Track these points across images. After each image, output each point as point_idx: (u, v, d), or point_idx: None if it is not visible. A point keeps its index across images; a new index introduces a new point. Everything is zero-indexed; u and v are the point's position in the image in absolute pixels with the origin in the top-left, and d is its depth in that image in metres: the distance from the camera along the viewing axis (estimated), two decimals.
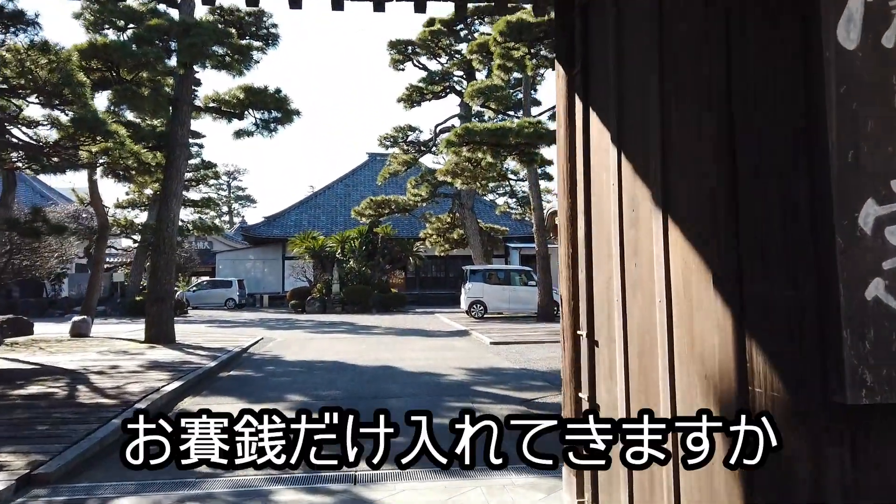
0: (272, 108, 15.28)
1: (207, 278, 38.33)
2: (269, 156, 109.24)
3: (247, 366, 10.86)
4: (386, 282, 31.67)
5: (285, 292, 36.00)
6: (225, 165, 76.37)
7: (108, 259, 39.58)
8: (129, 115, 15.44)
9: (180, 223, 33.20)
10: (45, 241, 17.74)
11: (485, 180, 20.82)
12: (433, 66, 27.30)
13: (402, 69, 27.73)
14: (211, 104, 15.22)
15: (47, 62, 7.99)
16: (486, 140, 14.46)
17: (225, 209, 77.34)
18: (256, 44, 15.52)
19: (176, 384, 7.86)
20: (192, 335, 16.29)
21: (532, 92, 22.22)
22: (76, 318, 16.19)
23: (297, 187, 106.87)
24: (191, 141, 32.22)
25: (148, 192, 30.99)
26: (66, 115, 11.07)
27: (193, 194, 33.37)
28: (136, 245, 30.81)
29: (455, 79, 27.30)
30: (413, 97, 27.07)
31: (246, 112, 15.45)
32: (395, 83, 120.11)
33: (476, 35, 23.88)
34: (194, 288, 37.31)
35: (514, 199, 32.31)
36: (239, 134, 15.75)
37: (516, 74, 21.88)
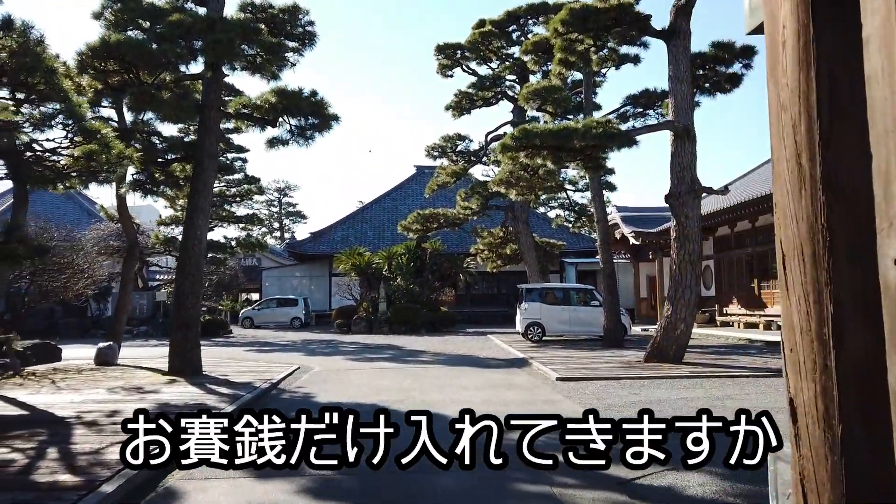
0: (308, 114, 13.81)
1: (278, 296, 37.14)
2: (319, 171, 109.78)
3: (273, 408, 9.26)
4: (435, 300, 30.01)
5: (332, 310, 34.78)
6: (276, 182, 76.76)
7: (156, 277, 39.27)
8: (164, 126, 14.24)
9: (223, 240, 32.54)
10: (71, 261, 16.80)
11: (542, 190, 18.93)
12: (483, 71, 25.63)
13: (451, 75, 26.18)
14: (242, 110, 13.87)
15: (13, 43, 6.63)
16: (547, 142, 12.60)
17: (276, 225, 77.76)
18: (291, 44, 14.10)
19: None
20: (223, 363, 14.91)
21: (592, 95, 20.25)
22: (102, 344, 15.01)
23: (346, 202, 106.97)
24: (234, 156, 31.53)
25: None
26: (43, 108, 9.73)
27: (240, 209, 32.52)
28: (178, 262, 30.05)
29: (507, 83, 25.56)
30: (462, 104, 25.44)
31: (280, 119, 14.04)
32: (444, 91, 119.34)
33: (530, 36, 22.10)
34: (257, 306, 36.25)
35: (570, 212, 30.19)
36: (272, 143, 14.34)
37: (575, 75, 20.01)
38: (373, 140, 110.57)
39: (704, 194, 13.92)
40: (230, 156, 25.47)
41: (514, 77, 25.13)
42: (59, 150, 8.52)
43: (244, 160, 31.44)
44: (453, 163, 26.37)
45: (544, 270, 25.56)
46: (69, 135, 8.33)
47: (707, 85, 15.13)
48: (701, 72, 14.90)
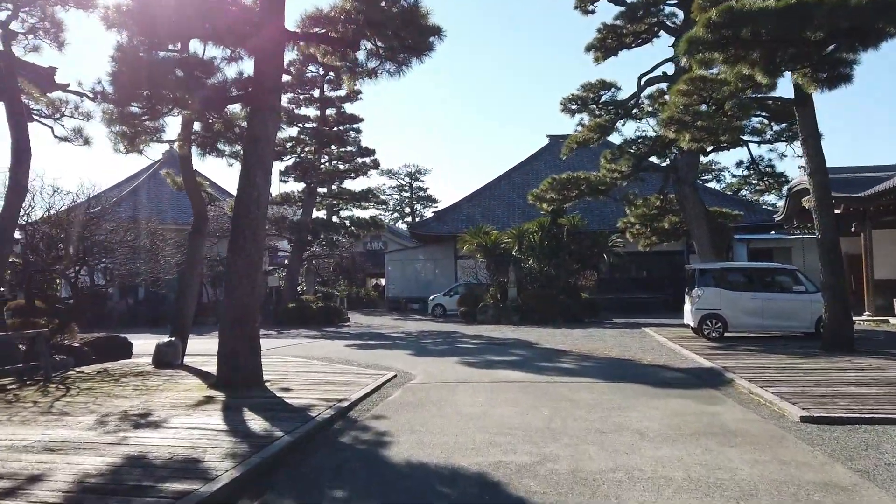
0: (398, 28, 9.92)
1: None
2: (450, 153, 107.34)
3: (309, 474, 5.48)
4: (573, 284, 25.36)
5: (432, 297, 31.11)
6: (406, 166, 74.98)
7: (277, 260, 37.79)
8: (215, 52, 10.92)
9: (335, 220, 29.95)
10: (150, 245, 14.27)
11: (726, 135, 13.74)
12: None
13: (593, 10, 21.30)
14: (311, 29, 10.25)
15: None
16: (766, 30, 7.72)
17: (407, 210, 76.06)
18: None
19: None
20: (303, 366, 11.54)
21: None
22: (161, 341, 12.19)
23: (479, 183, 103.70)
24: (347, 126, 28.70)
25: (300, 186, 27.85)
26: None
27: (352, 185, 29.69)
28: (291, 245, 27.74)
29: (665, 11, 20.27)
30: (607, 42, 20.53)
31: (362, 39, 10.28)
32: (580, 53, 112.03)
33: None
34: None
35: (753, 171, 24.18)
36: (353, 73, 10.64)
37: None
38: (503, 111, 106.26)
39: None
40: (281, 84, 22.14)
41: (674, 1, 19.81)
42: None
43: (357, 130, 28.67)
44: (596, 116, 21.49)
45: (719, 247, 20.08)
46: None
47: None
48: None
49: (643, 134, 21.36)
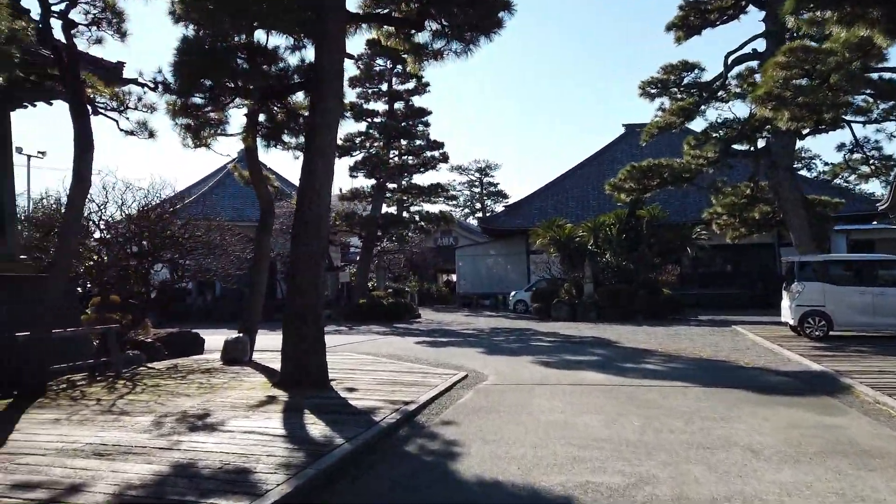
0: (464, 4, 9.25)
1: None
2: (521, 148, 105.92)
3: (367, 491, 4.89)
4: (654, 279, 24.00)
5: (513, 293, 30.34)
6: (476, 162, 74.38)
7: (349, 257, 37.92)
8: (278, 41, 10.58)
9: (405, 216, 29.57)
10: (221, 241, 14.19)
11: (830, 112, 12.33)
12: None
13: None
14: (373, 10, 9.71)
15: None
16: None
17: (478, 206, 75.48)
18: None
19: None
20: (370, 364, 11.07)
21: None
22: (230, 338, 12.01)
23: (549, 177, 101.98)
24: (416, 120, 28.26)
25: (369, 182, 27.62)
26: None
27: (421, 179, 29.32)
28: (361, 241, 27.61)
29: None
30: (690, 20, 19.17)
31: (426, 19, 9.67)
32: (657, 35, 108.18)
33: None
34: None
35: (856, 152, 22.13)
36: (419, 55, 10.04)
37: None
38: (574, 101, 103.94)
39: None
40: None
41: None
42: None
43: (426, 123, 28.19)
44: (677, 100, 20.12)
45: (819, 238, 18.38)
46: None
47: None
48: None
49: (731, 117, 19.74)
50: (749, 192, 19.90)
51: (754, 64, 19.38)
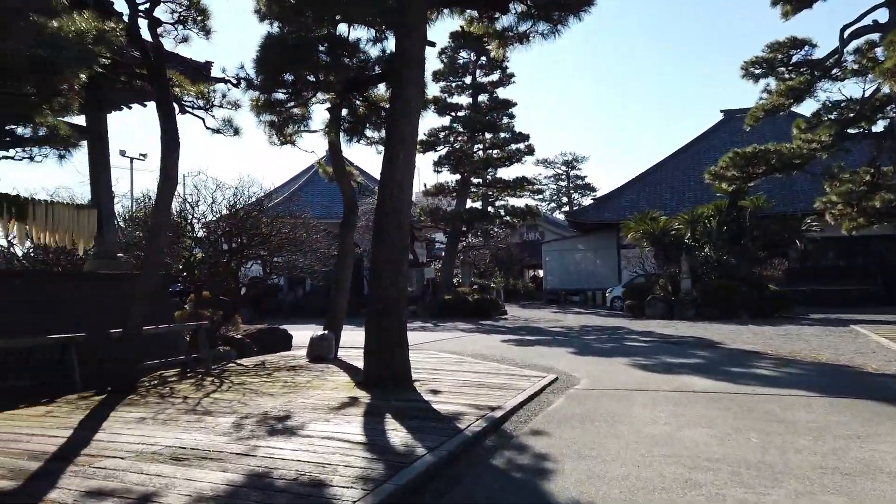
0: None
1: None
2: (606, 137, 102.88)
3: None
4: (758, 275, 22.34)
5: (610, 289, 29.23)
6: (562, 154, 72.88)
7: (435, 253, 37.83)
8: (360, 32, 10.34)
9: (490, 211, 29.05)
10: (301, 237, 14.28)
11: None
12: None
13: None
14: None
15: None
16: None
17: (564, 200, 73.98)
18: None
19: None
20: (455, 363, 10.69)
21: None
22: (315, 335, 11.95)
23: (640, 168, 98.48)
24: (500, 112, 27.64)
25: (454, 177, 27.29)
26: None
27: (506, 173, 28.73)
28: (446, 236, 27.36)
29: None
30: None
31: (511, 2, 9.13)
32: (757, 13, 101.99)
33: None
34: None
35: None
36: (503, 39, 9.51)
37: None
38: (671, 86, 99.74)
39: None
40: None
41: None
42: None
43: (511, 115, 27.54)
44: (784, 81, 18.50)
45: None
46: None
47: None
48: None
49: (845, 97, 17.96)
50: (869, 179, 18.06)
51: (875, 37, 17.52)
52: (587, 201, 68.22)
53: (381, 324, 8.47)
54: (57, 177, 74.03)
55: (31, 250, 13.30)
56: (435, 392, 7.97)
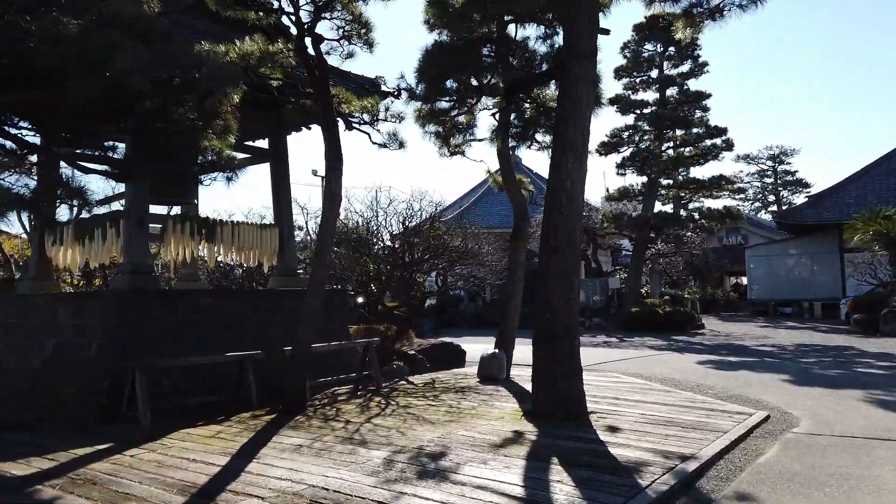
0: None
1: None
2: (820, 125, 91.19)
3: None
4: None
5: (846, 299, 25.15)
6: (767, 149, 65.86)
7: (621, 261, 35.73)
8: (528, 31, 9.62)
9: (682, 214, 26.54)
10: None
11: None
12: None
13: None
14: None
15: None
16: None
17: (771, 198, 66.86)
18: None
19: None
20: (637, 391, 9.41)
21: None
22: (486, 353, 11.35)
23: (866, 159, 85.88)
24: (692, 106, 25.21)
25: (639, 179, 25.37)
26: None
27: (700, 172, 26.17)
28: (632, 244, 25.50)
29: None
30: None
31: None
32: None
33: None
34: None
35: None
36: (691, 16, 8.17)
37: None
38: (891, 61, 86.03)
39: None
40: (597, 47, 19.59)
41: None
42: None
43: (704, 108, 24.99)
44: None
45: None
46: None
47: None
48: None
49: None
50: None
51: None
52: (799, 199, 60.66)
53: (550, 349, 7.58)
54: (256, 197, 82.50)
55: (220, 268, 14.33)
56: (613, 430, 6.90)
